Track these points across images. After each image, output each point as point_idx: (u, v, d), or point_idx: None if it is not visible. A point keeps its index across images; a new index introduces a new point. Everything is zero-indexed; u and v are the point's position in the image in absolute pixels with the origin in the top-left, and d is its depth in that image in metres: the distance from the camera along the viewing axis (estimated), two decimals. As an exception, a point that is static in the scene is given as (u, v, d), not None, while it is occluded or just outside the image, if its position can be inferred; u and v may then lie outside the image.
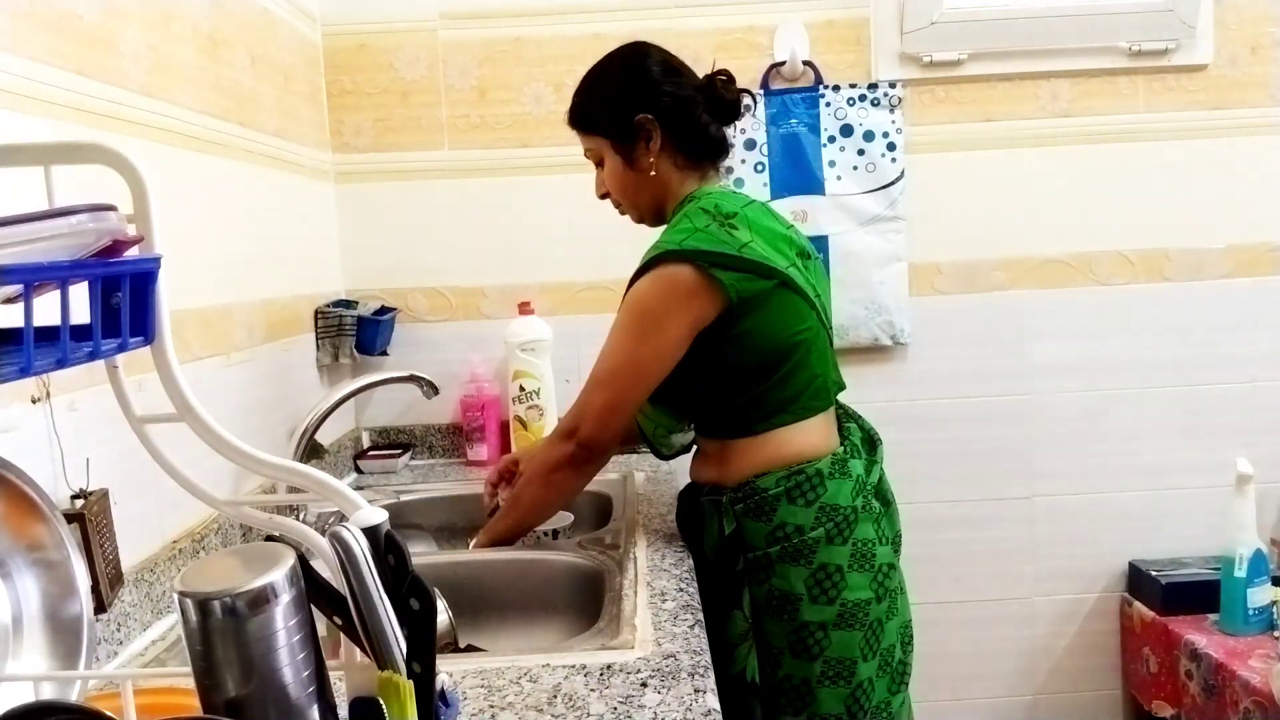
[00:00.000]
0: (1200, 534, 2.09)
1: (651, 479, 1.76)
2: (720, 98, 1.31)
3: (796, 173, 2.00)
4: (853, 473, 1.26)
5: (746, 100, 1.36)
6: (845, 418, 1.36)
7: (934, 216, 2.04)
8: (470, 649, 1.18)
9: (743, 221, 1.25)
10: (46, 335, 0.56)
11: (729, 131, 1.36)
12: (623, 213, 1.40)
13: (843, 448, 1.29)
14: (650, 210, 1.36)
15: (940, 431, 2.09)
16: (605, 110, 1.32)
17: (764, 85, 2.00)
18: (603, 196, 1.39)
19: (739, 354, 1.24)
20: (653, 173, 1.31)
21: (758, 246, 1.23)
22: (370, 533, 0.61)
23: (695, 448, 1.41)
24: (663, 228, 1.32)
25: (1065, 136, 2.05)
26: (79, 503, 0.95)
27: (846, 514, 1.23)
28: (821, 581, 1.22)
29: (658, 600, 1.13)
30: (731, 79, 1.33)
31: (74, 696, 0.72)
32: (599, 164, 1.36)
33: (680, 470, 1.80)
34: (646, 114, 1.28)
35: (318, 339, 1.82)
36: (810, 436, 1.27)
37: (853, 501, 1.24)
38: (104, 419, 1.00)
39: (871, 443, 1.35)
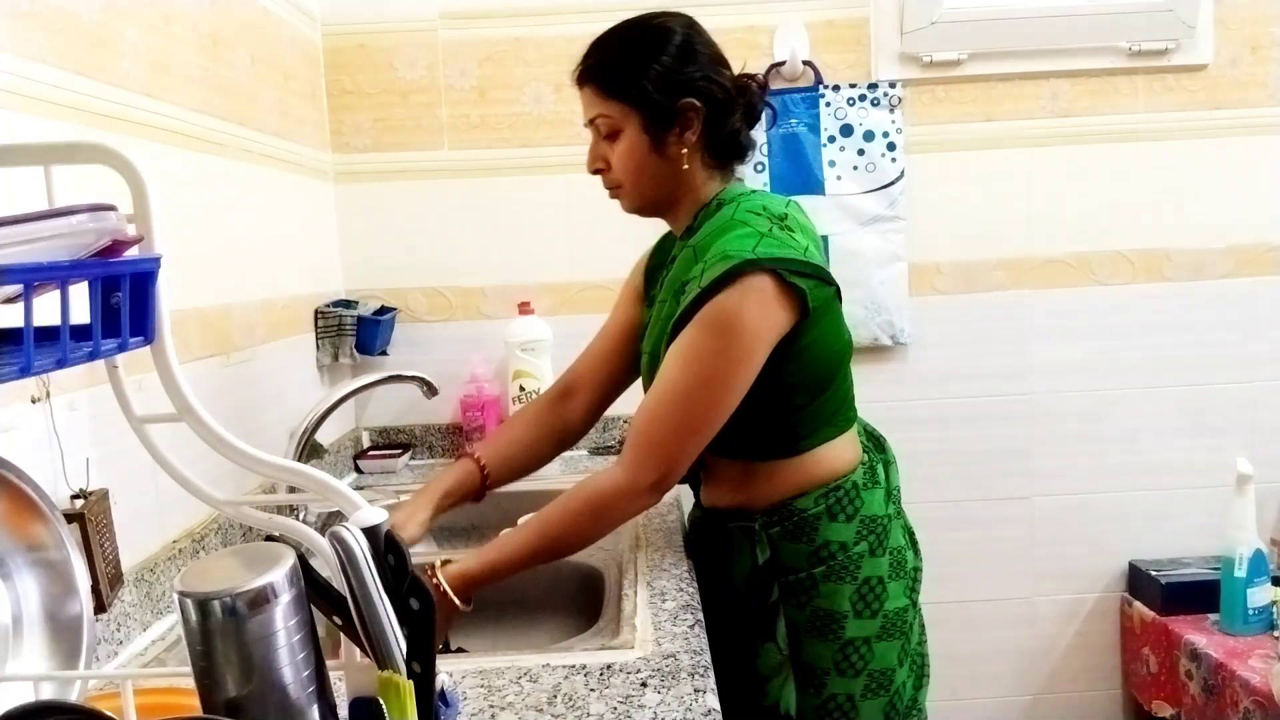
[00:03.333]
0: (1200, 534, 2.09)
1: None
2: (751, 103, 1.22)
3: (796, 173, 2.00)
4: (880, 479, 1.23)
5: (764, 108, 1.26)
6: None
7: (934, 216, 2.04)
8: (460, 651, 1.18)
9: (794, 224, 1.18)
10: (46, 335, 0.56)
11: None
12: (614, 196, 1.24)
13: (866, 456, 1.25)
14: (654, 201, 1.23)
15: (940, 431, 2.09)
16: (647, 83, 1.15)
17: (764, 85, 2.00)
18: (595, 171, 1.23)
19: (800, 368, 1.14)
20: (685, 166, 1.18)
21: (814, 251, 1.17)
22: (370, 533, 0.61)
23: (702, 471, 1.28)
24: (636, 218, 1.24)
25: (1065, 136, 2.04)
26: (79, 503, 0.95)
27: (883, 523, 1.21)
28: (865, 595, 1.18)
29: (658, 600, 1.13)
30: (764, 86, 1.24)
31: (74, 696, 0.71)
32: (608, 135, 1.19)
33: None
34: (695, 101, 1.16)
35: (318, 339, 1.82)
36: (845, 450, 1.21)
37: (886, 509, 1.22)
38: (104, 419, 1.00)
39: (878, 443, 1.31)
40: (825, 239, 1.97)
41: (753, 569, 1.18)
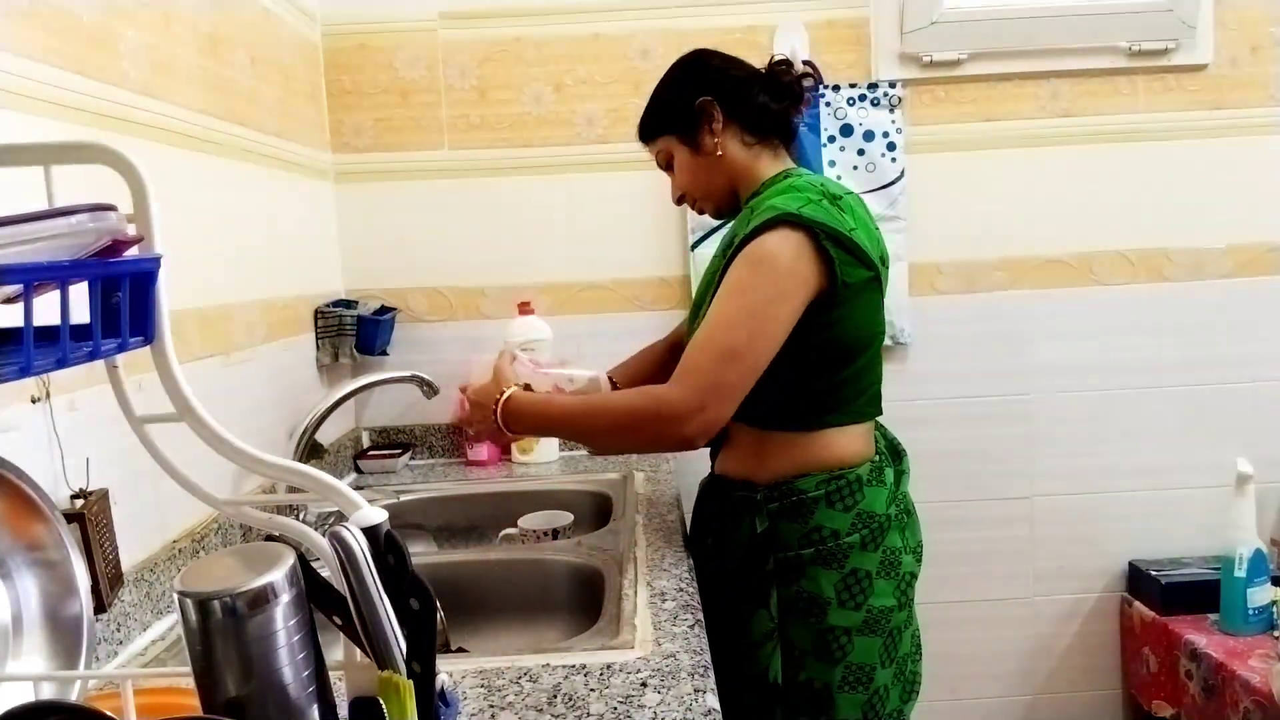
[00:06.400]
0: (1200, 534, 2.09)
1: (651, 479, 1.76)
2: (775, 80, 1.30)
3: (796, 173, 1.99)
4: (887, 481, 1.25)
5: (809, 83, 1.32)
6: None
7: (934, 216, 2.04)
8: (460, 651, 1.18)
9: (847, 208, 1.22)
10: (46, 335, 0.56)
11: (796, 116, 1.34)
12: (700, 210, 1.37)
13: (877, 456, 1.27)
14: (726, 195, 1.33)
15: (940, 431, 2.09)
16: (667, 108, 1.32)
17: (764, 85, 2.00)
18: (679, 201, 1.38)
19: (822, 342, 1.19)
20: (719, 153, 1.29)
21: (861, 235, 1.21)
22: (370, 533, 0.61)
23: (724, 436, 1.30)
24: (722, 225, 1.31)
25: (1065, 136, 2.04)
26: (79, 503, 0.95)
27: (881, 521, 1.22)
28: (851, 586, 1.20)
29: (658, 600, 1.13)
30: (789, 66, 1.31)
31: (74, 696, 0.72)
32: (669, 167, 1.35)
33: (683, 468, 1.80)
34: (705, 96, 1.27)
35: (318, 339, 1.82)
36: (854, 442, 1.25)
37: (887, 509, 1.23)
38: (104, 419, 1.00)
39: (896, 452, 1.33)
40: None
41: (751, 537, 1.23)
